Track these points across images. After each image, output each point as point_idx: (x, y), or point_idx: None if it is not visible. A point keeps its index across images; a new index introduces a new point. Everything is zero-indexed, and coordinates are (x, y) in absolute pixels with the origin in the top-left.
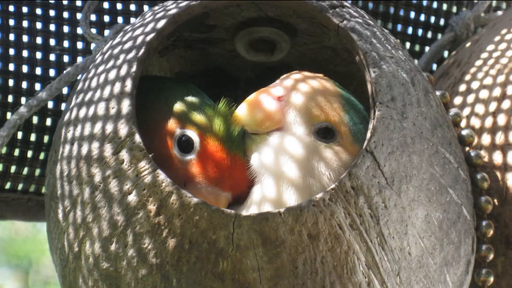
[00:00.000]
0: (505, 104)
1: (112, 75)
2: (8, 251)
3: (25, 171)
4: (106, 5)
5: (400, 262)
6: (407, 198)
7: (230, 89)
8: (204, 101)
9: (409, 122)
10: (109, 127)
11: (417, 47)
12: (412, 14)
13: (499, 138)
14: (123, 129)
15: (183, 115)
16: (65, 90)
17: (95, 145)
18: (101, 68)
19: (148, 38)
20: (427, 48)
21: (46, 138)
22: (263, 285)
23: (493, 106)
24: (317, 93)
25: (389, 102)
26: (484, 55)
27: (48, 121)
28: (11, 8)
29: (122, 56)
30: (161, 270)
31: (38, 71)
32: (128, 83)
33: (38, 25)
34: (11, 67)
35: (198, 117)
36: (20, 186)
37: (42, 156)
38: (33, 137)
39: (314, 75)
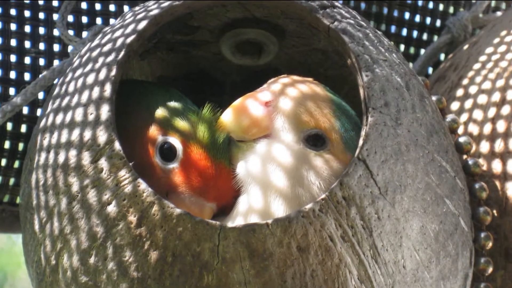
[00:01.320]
0: (505, 110)
1: (90, 79)
2: None
3: None
4: (84, 5)
5: (394, 275)
6: (401, 208)
7: (214, 94)
8: (188, 107)
9: (404, 128)
10: (87, 134)
11: (412, 50)
12: (407, 15)
13: (499, 145)
14: (102, 136)
15: (165, 122)
16: (41, 95)
17: (73, 153)
18: (78, 72)
19: (129, 40)
20: (422, 51)
21: (21, 146)
22: None
23: (492, 112)
24: (307, 98)
25: (383, 108)
26: (483, 58)
27: (23, 128)
28: None
29: (101, 59)
30: (143, 284)
31: (13, 75)
32: (107, 88)
33: (13, 27)
34: None
35: (181, 123)
36: None
37: (16, 164)
38: (7, 145)
39: (303, 79)
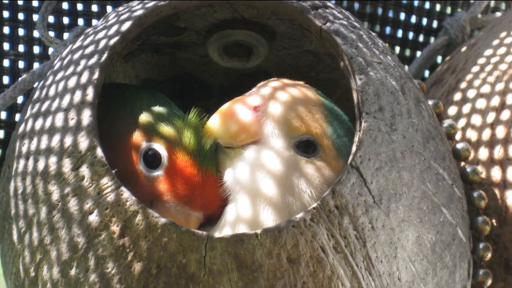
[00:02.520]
0: (505, 115)
1: (72, 82)
2: None
3: None
4: (65, 5)
5: None
6: (396, 218)
7: (201, 98)
8: (173, 111)
9: (399, 134)
10: (68, 140)
11: (407, 52)
12: (402, 16)
13: (498, 152)
14: (83, 142)
15: (150, 127)
16: (20, 99)
17: (53, 160)
18: (59, 75)
19: (112, 42)
20: (418, 53)
21: None
22: None
23: (491, 117)
24: (298, 103)
25: (377, 113)
26: (482, 60)
27: (1, 134)
28: None
29: (83, 62)
30: None
31: None
32: (90, 92)
33: None
34: None
35: (166, 129)
36: None
37: None
38: None
39: (294, 83)
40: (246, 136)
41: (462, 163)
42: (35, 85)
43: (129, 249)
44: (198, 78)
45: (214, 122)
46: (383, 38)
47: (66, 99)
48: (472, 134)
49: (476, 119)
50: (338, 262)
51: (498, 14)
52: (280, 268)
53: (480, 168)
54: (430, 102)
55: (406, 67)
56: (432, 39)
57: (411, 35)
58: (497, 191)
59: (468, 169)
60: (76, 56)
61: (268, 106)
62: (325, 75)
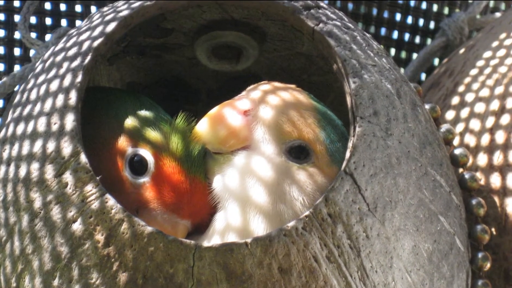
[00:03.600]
0: (504, 119)
1: (54, 86)
2: None
3: None
4: (47, 5)
5: None
6: (392, 226)
7: (189, 102)
8: (160, 116)
9: (394, 139)
10: (51, 146)
11: (403, 54)
12: (398, 16)
13: (497, 158)
14: (66, 148)
15: (136, 132)
16: (0, 103)
17: (35, 166)
18: (41, 78)
19: (96, 43)
20: (415, 55)
21: None
22: None
23: (490, 122)
24: (289, 107)
25: (371, 117)
26: (480, 63)
27: None
28: None
29: (65, 64)
30: None
31: None
32: (73, 95)
33: None
34: None
35: (153, 134)
36: None
37: None
38: None
39: (286, 86)
40: (236, 142)
41: (460, 170)
42: (16, 89)
43: (114, 258)
44: (185, 81)
45: (203, 127)
46: (378, 39)
47: (48, 103)
48: (470, 139)
49: (475, 124)
50: (331, 272)
51: (498, 14)
52: (271, 278)
53: (479, 174)
54: (427, 106)
55: (402, 70)
56: (429, 41)
57: (407, 36)
58: (496, 199)
59: (467, 176)
60: (59, 58)
61: (259, 110)
62: (317, 78)
